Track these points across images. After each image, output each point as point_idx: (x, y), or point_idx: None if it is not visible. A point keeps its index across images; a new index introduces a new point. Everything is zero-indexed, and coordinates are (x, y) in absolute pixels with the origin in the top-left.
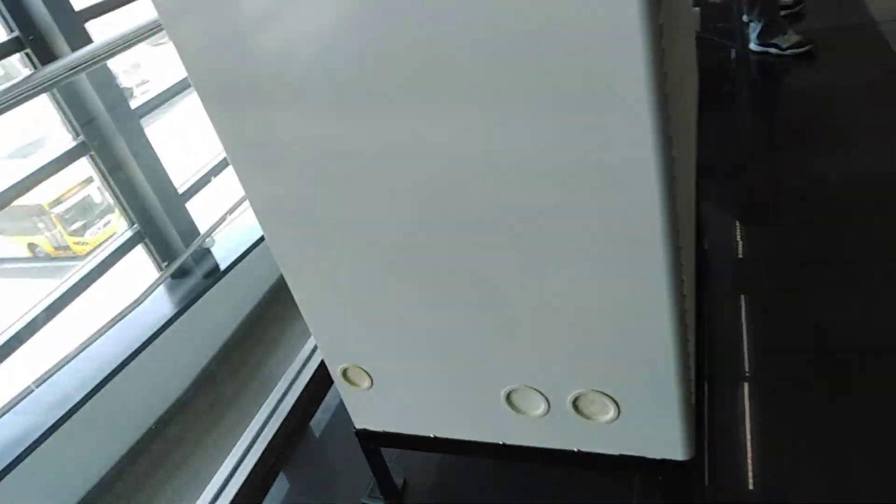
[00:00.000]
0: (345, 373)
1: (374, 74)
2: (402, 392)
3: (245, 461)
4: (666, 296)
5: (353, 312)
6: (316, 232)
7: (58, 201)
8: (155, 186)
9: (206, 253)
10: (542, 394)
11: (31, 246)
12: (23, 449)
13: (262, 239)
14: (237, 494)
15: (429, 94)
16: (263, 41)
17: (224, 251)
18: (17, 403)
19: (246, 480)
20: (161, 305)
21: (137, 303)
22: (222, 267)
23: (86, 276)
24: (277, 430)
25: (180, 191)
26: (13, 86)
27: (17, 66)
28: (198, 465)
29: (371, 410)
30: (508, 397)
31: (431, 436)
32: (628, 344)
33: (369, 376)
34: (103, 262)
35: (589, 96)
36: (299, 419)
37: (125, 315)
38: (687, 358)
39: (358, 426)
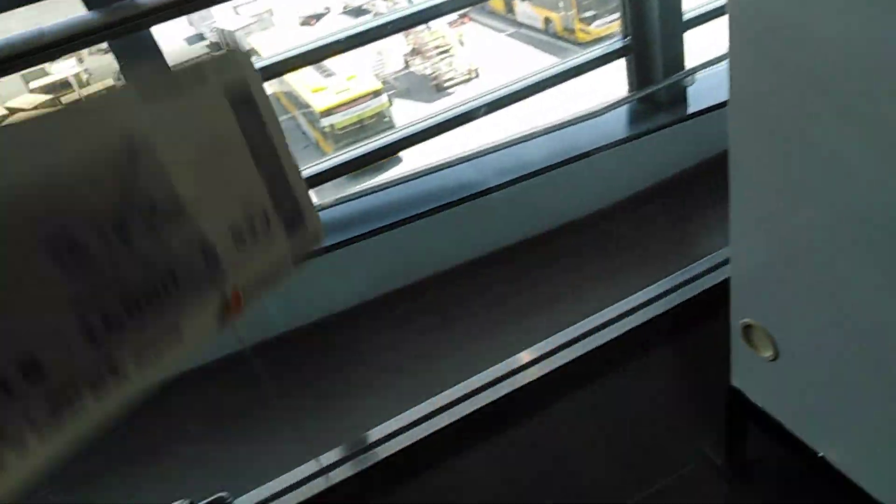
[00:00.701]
0: (747, 329)
1: None
2: (807, 387)
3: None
4: None
5: (792, 277)
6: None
7: None
8: (663, 5)
9: (681, 91)
10: None
11: (547, 20)
12: (466, 195)
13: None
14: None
15: None
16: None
17: (700, 97)
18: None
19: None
20: (614, 123)
21: (598, 113)
22: (690, 110)
23: (576, 67)
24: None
25: (686, 17)
26: None
27: None
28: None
29: (758, 380)
30: None
31: (819, 454)
32: None
33: (776, 350)
34: (593, 59)
35: None
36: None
37: (586, 119)
38: None
39: (734, 382)
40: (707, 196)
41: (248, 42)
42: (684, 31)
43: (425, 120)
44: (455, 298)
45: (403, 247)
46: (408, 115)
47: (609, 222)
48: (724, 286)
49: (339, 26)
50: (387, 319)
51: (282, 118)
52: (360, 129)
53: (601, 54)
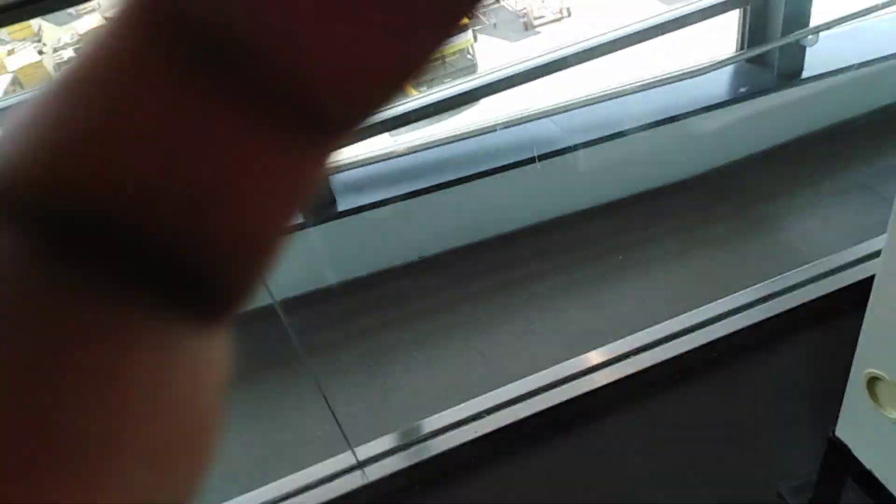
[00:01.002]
0: (872, 382)
1: None
2: None
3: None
4: None
5: None
6: None
7: None
8: None
9: (798, 51)
10: None
11: None
12: (543, 152)
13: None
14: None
15: None
16: None
17: (823, 57)
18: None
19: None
20: (717, 84)
21: (699, 72)
22: (805, 74)
23: (682, 17)
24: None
25: None
26: None
27: None
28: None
29: (872, 439)
30: None
31: None
32: None
33: None
34: (704, 9)
35: None
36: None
37: (685, 78)
38: None
39: (839, 433)
40: (808, 173)
41: None
42: None
43: (507, 67)
44: (518, 261)
45: (470, 203)
46: (491, 54)
47: (689, 194)
48: (838, 298)
49: None
50: (445, 277)
51: None
52: (441, 65)
53: (714, 2)
